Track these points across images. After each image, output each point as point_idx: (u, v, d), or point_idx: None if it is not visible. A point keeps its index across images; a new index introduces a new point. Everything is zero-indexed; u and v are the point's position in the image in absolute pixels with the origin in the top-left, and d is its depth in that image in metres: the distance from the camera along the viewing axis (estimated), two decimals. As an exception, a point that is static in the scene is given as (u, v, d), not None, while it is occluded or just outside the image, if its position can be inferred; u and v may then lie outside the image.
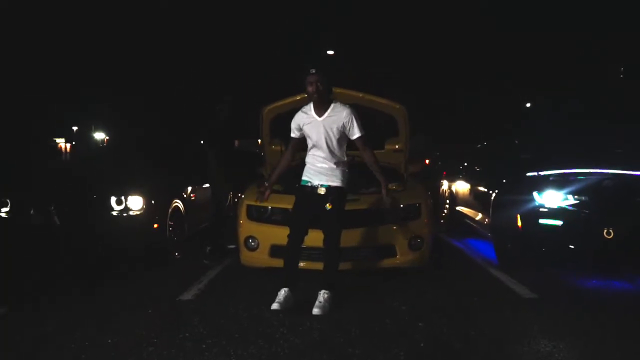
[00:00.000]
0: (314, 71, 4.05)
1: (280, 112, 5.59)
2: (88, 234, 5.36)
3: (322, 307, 3.97)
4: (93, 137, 35.44)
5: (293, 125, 4.23)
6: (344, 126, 4.10)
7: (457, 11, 24.73)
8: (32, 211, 5.34)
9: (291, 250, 4.21)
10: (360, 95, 5.53)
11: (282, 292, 4.05)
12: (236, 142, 6.20)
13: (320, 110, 4.12)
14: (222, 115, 5.95)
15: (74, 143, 33.96)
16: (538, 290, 4.50)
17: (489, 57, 24.36)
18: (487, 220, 6.04)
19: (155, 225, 5.52)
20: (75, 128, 35.42)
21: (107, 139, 34.90)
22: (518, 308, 4.15)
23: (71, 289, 4.66)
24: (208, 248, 5.82)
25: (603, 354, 3.21)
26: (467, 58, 24.63)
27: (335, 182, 4.17)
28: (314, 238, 4.62)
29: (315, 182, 4.15)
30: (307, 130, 4.16)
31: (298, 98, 5.55)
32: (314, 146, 4.18)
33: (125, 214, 5.42)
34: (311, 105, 4.16)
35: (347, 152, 5.65)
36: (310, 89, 4.06)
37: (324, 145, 4.12)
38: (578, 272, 5.09)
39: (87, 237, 5.35)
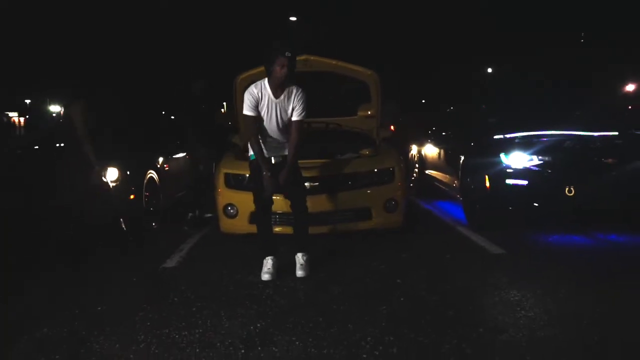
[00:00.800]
0: (289, 54, 3.96)
1: (254, 80, 5.62)
2: (61, 209, 5.32)
3: (304, 269, 4.15)
4: (49, 110, 34.24)
5: (249, 103, 4.08)
6: (292, 107, 4.13)
7: None
8: None
9: (262, 220, 4.34)
10: (334, 62, 5.63)
11: (269, 261, 4.16)
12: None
13: (277, 91, 4.09)
14: (197, 89, 5.99)
15: (27, 117, 32.73)
16: (506, 247, 4.80)
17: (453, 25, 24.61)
18: (456, 182, 6.30)
19: (132, 197, 5.54)
20: (28, 101, 34.11)
21: (63, 112, 33.82)
22: (488, 263, 4.44)
23: (54, 265, 4.68)
24: (190, 214, 5.90)
25: (565, 301, 3.50)
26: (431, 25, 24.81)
27: (285, 152, 4.25)
28: (286, 203, 4.77)
29: (268, 155, 4.22)
30: (263, 106, 4.11)
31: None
32: (266, 123, 4.16)
33: (100, 186, 5.41)
34: (265, 82, 4.11)
35: (321, 119, 5.82)
36: (278, 69, 3.96)
37: (275, 126, 4.16)
38: (542, 229, 5.42)
39: (60, 213, 5.31)
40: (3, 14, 20.45)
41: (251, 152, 4.27)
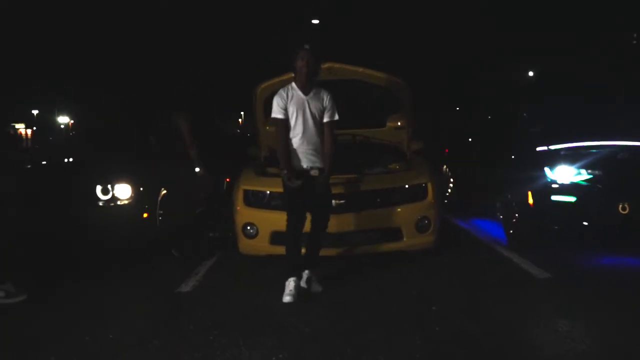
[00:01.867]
0: (307, 47, 4.28)
1: (275, 89, 5.69)
2: (73, 228, 5.43)
3: (319, 284, 4.34)
4: (56, 122, 35.10)
5: (277, 106, 4.30)
6: (324, 107, 4.33)
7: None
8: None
9: (294, 238, 4.37)
10: (360, 70, 5.65)
11: (292, 283, 4.19)
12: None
13: (305, 88, 4.32)
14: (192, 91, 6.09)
15: (35, 129, 33.60)
16: (551, 270, 4.72)
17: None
18: (495, 198, 6.24)
19: (145, 215, 5.63)
20: (35, 112, 35.04)
21: (72, 123, 34.65)
22: (532, 289, 4.38)
23: (65, 285, 4.79)
24: (210, 233, 5.99)
25: (619, 332, 3.42)
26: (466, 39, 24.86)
27: (321, 164, 4.34)
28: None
29: (305, 165, 4.31)
30: (292, 108, 4.28)
31: (293, 75, 5.67)
32: (298, 127, 4.29)
33: (112, 204, 5.51)
34: (292, 84, 4.36)
35: (347, 130, 5.84)
36: (300, 63, 4.26)
37: (311, 124, 4.29)
38: (590, 250, 5.32)
39: (72, 232, 5.42)
40: (10, 26, 21.13)
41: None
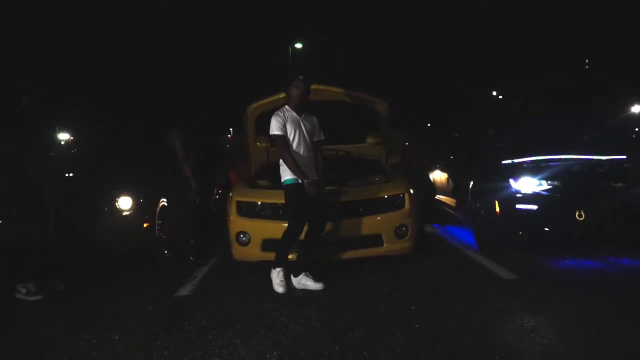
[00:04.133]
0: (302, 78, 4.52)
1: (265, 110, 5.76)
2: (78, 236, 5.40)
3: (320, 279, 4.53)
4: (57, 138, 34.63)
5: (277, 125, 4.50)
6: (313, 127, 4.64)
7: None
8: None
9: (290, 243, 4.53)
10: (343, 91, 5.73)
11: (280, 272, 4.35)
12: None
13: (299, 110, 4.61)
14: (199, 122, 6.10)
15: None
16: (517, 272, 4.81)
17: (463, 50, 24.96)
18: (465, 207, 6.34)
19: (145, 225, 5.61)
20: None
21: (71, 139, 34.23)
22: (500, 289, 4.45)
23: (75, 290, 4.76)
24: (192, 241, 5.91)
25: (579, 327, 3.50)
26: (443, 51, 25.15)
27: (317, 175, 4.57)
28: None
29: (308, 177, 4.47)
30: (290, 126, 4.50)
31: (282, 96, 5.73)
32: (296, 142, 4.52)
33: (115, 215, 5.49)
34: (286, 107, 4.61)
35: (331, 146, 5.92)
36: (295, 91, 4.52)
37: (306, 141, 4.53)
38: (552, 253, 5.43)
39: (77, 240, 5.39)
40: (12, 42, 20.82)
41: (286, 177, 4.48)
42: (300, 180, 4.45)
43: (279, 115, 4.53)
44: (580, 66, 24.31)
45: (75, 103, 23.49)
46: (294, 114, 4.55)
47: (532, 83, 20.01)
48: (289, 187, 4.52)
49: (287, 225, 4.57)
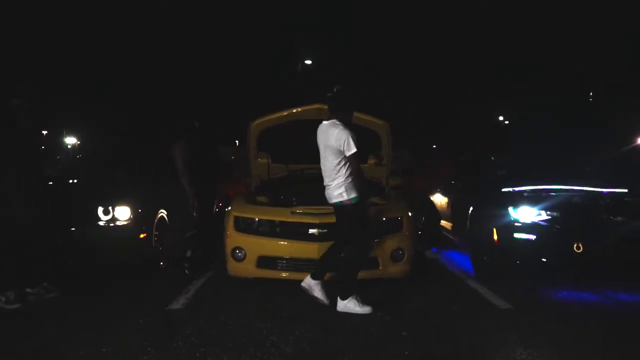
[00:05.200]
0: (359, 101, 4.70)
1: (268, 126, 5.79)
2: (73, 245, 5.40)
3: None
4: (64, 142, 34.83)
5: (356, 141, 4.36)
6: None
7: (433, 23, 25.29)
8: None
9: (362, 263, 4.57)
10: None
11: (356, 296, 4.39)
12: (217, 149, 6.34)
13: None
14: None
15: (43, 147, 33.37)
16: (513, 302, 4.77)
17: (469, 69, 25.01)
18: (464, 233, 6.31)
19: (142, 235, 5.61)
20: (44, 132, 34.77)
21: (78, 144, 34.42)
22: (494, 318, 4.41)
23: (65, 299, 4.74)
24: (189, 254, 5.87)
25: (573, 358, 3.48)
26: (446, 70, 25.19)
27: None
28: (302, 249, 4.84)
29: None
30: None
31: (285, 113, 5.78)
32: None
33: (112, 224, 5.50)
34: (342, 123, 4.45)
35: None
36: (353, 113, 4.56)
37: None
38: (550, 284, 5.38)
39: (72, 248, 5.39)
40: (20, 47, 21.01)
41: (352, 195, 4.37)
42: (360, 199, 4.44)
43: (352, 131, 4.35)
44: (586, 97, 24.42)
45: (77, 105, 23.68)
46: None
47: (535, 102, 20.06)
48: (356, 206, 4.43)
49: (339, 246, 4.57)
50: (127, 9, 22.80)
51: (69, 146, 34.61)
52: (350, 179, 4.35)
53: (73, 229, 5.54)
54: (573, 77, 22.58)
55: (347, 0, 26.68)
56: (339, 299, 4.41)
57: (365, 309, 4.35)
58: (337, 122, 4.40)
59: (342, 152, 4.32)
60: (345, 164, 4.36)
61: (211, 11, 25.40)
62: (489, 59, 24.71)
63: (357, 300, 4.38)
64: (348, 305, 4.38)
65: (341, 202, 4.38)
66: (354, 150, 4.31)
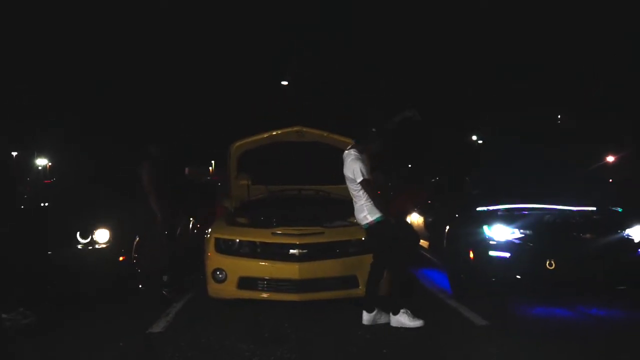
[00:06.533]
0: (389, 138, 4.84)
1: (249, 148, 5.89)
2: (51, 268, 5.36)
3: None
4: (34, 164, 34.20)
5: (366, 169, 4.60)
6: None
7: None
8: None
9: (403, 276, 4.83)
10: (325, 134, 5.91)
11: (407, 311, 4.54)
12: (186, 170, 6.34)
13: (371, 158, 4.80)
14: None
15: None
16: (490, 319, 4.89)
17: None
18: (441, 252, 6.46)
19: (122, 258, 5.61)
20: (14, 154, 34.09)
21: (49, 166, 33.84)
22: (472, 335, 4.53)
23: (38, 326, 4.70)
24: (165, 277, 5.85)
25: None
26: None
27: None
28: (283, 269, 4.91)
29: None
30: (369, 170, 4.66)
31: (265, 135, 5.90)
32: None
33: (91, 247, 5.48)
34: (357, 152, 4.70)
35: (311, 187, 6.06)
36: (379, 147, 4.78)
37: None
38: (525, 300, 5.54)
39: (50, 272, 5.35)
40: None
41: (376, 215, 4.59)
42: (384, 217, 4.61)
43: (362, 160, 4.63)
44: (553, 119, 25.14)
45: (48, 126, 23.28)
46: (367, 159, 4.70)
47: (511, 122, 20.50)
48: (382, 224, 4.62)
49: (381, 264, 4.72)
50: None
51: (40, 167, 34.06)
52: (370, 202, 4.62)
53: (50, 252, 5.51)
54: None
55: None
56: (391, 314, 4.61)
57: (417, 323, 4.53)
58: (352, 152, 4.71)
59: (355, 180, 4.64)
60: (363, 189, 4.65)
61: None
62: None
63: (408, 314, 4.56)
64: (400, 319, 4.56)
65: (367, 224, 4.67)
66: (360, 178, 4.60)
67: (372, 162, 4.73)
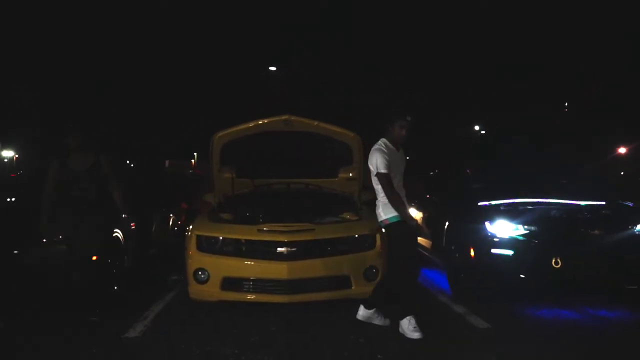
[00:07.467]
0: (409, 119, 4.63)
1: (232, 139, 5.84)
2: (19, 268, 5.30)
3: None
4: (0, 156, 33.88)
5: (384, 162, 4.48)
6: (405, 163, 4.79)
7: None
8: None
9: (414, 282, 4.74)
10: (315, 123, 5.87)
11: (412, 319, 4.45)
12: (166, 163, 6.27)
13: (397, 146, 4.68)
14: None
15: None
16: (491, 321, 4.91)
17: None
18: (440, 249, 6.47)
19: (94, 257, 5.53)
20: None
21: (16, 157, 33.53)
22: (472, 338, 4.55)
23: (6, 332, 4.65)
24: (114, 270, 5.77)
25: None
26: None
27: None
28: (270, 269, 4.89)
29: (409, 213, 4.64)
30: (393, 164, 4.56)
31: (251, 125, 5.85)
32: (397, 180, 4.62)
33: (60, 246, 5.40)
34: (385, 141, 4.61)
35: (301, 180, 6.03)
36: (402, 131, 4.63)
37: (401, 180, 4.67)
38: (529, 301, 5.57)
39: (17, 272, 5.28)
40: None
41: (390, 214, 4.51)
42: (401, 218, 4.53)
43: (383, 152, 4.53)
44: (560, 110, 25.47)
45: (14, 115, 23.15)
46: (395, 150, 4.63)
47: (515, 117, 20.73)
48: (396, 225, 4.55)
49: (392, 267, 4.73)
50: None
51: (5, 160, 33.74)
52: (386, 199, 4.56)
53: (16, 251, 5.44)
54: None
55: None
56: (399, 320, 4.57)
57: (415, 335, 4.43)
58: (378, 143, 4.65)
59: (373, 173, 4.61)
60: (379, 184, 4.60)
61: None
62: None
63: (411, 324, 4.47)
64: (403, 326, 4.51)
65: (381, 222, 4.64)
66: (376, 171, 4.55)
67: (399, 142, 4.65)
